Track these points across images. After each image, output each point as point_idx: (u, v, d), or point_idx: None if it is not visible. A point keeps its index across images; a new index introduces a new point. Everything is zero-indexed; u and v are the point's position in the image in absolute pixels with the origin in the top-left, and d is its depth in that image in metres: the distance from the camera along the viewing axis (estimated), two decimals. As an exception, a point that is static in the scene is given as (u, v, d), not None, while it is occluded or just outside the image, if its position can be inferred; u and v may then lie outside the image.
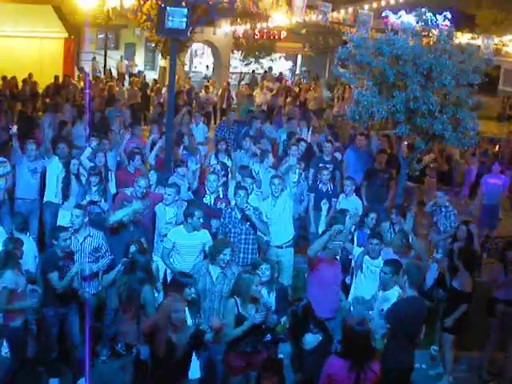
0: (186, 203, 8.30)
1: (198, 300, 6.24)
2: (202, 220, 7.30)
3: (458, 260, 7.34)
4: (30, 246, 6.83)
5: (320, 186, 9.53)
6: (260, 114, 14.38)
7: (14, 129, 9.11)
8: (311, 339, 5.50)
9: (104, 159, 9.34)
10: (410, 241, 7.41)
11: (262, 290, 6.07)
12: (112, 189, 9.13)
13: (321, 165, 10.29)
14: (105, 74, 23.20)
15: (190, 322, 5.80)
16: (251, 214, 7.49)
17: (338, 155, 11.39)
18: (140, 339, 5.97)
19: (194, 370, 5.91)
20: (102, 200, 8.37)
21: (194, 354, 5.76)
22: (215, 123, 19.96)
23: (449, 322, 7.24)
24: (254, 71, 28.52)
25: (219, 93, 21.15)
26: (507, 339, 7.35)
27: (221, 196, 8.46)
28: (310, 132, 13.02)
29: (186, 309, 5.75)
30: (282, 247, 8.28)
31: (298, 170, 9.56)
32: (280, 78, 28.91)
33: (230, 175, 9.54)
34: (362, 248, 7.45)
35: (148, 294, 5.97)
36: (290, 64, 37.09)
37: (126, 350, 6.24)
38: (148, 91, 20.10)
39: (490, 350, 7.64)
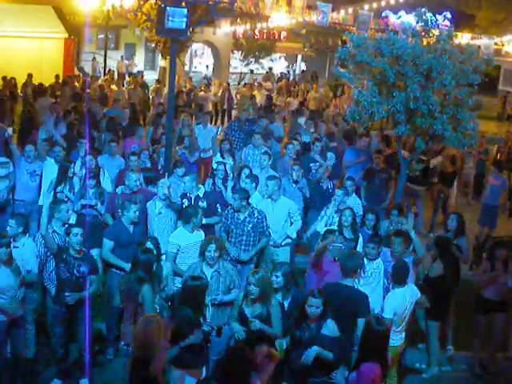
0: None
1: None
2: (202, 219, 7.34)
3: (434, 248, 7.56)
4: (30, 246, 6.84)
5: (320, 183, 9.53)
6: (268, 113, 14.33)
7: (10, 130, 9.13)
8: (333, 325, 5.52)
9: (94, 161, 9.28)
10: (412, 241, 7.39)
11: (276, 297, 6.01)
12: (107, 187, 9.12)
13: (311, 164, 10.34)
14: (105, 74, 23.22)
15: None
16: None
17: (331, 155, 11.47)
18: None
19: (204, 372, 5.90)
20: (99, 203, 8.36)
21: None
22: (215, 123, 20.00)
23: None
24: (252, 71, 28.53)
25: (219, 93, 21.16)
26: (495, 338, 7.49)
27: (200, 195, 8.37)
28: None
29: None
30: (278, 247, 8.29)
31: (296, 168, 9.57)
32: (281, 77, 28.95)
33: (230, 175, 9.58)
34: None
35: (147, 293, 5.95)
36: (291, 64, 37.19)
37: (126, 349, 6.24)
38: (148, 91, 20.10)
39: (477, 346, 7.69)
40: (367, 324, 5.10)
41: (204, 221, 7.83)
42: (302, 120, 14.46)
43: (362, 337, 5.13)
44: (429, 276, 7.45)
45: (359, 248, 7.64)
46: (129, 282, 6.09)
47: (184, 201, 8.30)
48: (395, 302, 6.32)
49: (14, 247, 6.44)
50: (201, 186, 8.63)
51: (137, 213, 7.30)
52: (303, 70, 34.95)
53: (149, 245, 6.63)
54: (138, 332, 5.04)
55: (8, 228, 6.71)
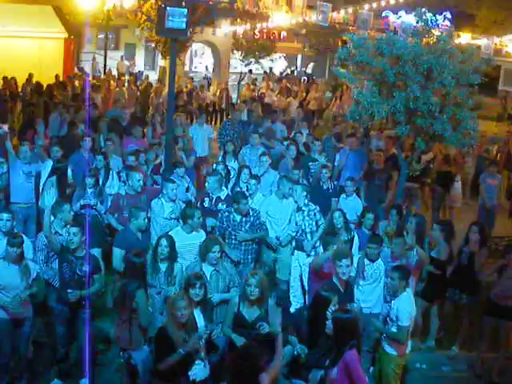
0: (183, 204, 8.31)
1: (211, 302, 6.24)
2: (201, 220, 7.32)
3: (440, 233, 7.72)
4: (26, 240, 6.86)
5: (321, 183, 9.54)
6: (272, 114, 14.34)
7: (5, 128, 9.00)
8: None
9: (103, 161, 9.31)
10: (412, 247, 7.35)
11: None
12: (114, 187, 9.12)
13: (311, 164, 10.35)
14: (105, 74, 23.22)
15: (201, 323, 5.77)
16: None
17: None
18: (132, 344, 5.94)
19: (202, 371, 5.88)
20: (98, 203, 8.35)
21: (202, 355, 5.79)
22: (215, 123, 20.00)
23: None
24: (251, 71, 28.51)
25: (217, 93, 21.17)
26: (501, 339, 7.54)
27: (222, 197, 8.42)
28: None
29: (198, 310, 5.77)
30: (281, 245, 8.32)
31: (296, 171, 9.58)
32: (281, 78, 28.93)
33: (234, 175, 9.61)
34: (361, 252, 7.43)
35: (141, 297, 5.94)
36: (291, 66, 37.12)
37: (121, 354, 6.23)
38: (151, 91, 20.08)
39: (482, 348, 7.69)
40: (335, 319, 5.11)
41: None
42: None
43: (335, 331, 5.09)
44: (437, 258, 7.62)
45: (355, 247, 7.64)
46: (122, 288, 6.07)
47: (205, 200, 8.32)
48: (409, 307, 6.22)
49: None
50: (224, 188, 8.61)
51: (146, 220, 7.28)
52: (292, 70, 34.86)
53: (163, 242, 6.58)
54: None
55: (3, 223, 6.70)
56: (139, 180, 8.26)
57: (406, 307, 6.15)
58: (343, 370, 4.92)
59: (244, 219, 7.73)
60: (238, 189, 8.96)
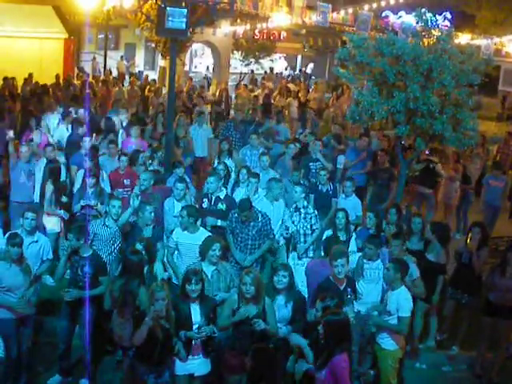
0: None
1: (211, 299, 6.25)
2: (190, 219, 7.25)
3: (431, 234, 7.69)
4: (45, 238, 6.98)
5: (320, 186, 9.53)
6: (276, 115, 14.31)
7: (11, 134, 9.14)
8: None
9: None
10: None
11: (278, 299, 6.03)
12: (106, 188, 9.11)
13: (311, 164, 10.33)
14: (105, 74, 23.22)
15: (197, 319, 5.79)
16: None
17: (341, 158, 11.45)
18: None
19: (204, 367, 5.95)
20: (99, 203, 8.35)
21: (202, 352, 5.86)
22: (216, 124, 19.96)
23: (436, 297, 7.66)
24: (252, 71, 28.53)
25: (217, 93, 21.17)
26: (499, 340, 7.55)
27: (221, 197, 8.42)
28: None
29: (197, 306, 5.79)
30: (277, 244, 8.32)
31: (297, 173, 9.58)
32: (280, 77, 28.95)
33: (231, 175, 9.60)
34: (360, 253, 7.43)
35: (143, 295, 5.94)
36: (293, 64, 37.15)
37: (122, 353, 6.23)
38: (146, 91, 20.08)
39: (482, 348, 7.67)
40: (326, 321, 5.10)
41: (219, 223, 7.99)
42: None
43: (325, 334, 5.08)
44: (429, 260, 7.59)
45: (352, 247, 7.66)
46: (124, 286, 6.07)
47: (204, 200, 8.33)
48: (408, 298, 6.30)
49: (34, 242, 6.74)
50: (223, 188, 8.62)
51: (152, 214, 7.33)
52: (302, 70, 34.85)
53: (138, 246, 6.65)
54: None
55: (26, 222, 6.76)
56: (147, 180, 8.33)
57: (406, 297, 6.26)
58: (331, 374, 4.96)
59: (252, 223, 7.68)
60: (239, 188, 9.05)
